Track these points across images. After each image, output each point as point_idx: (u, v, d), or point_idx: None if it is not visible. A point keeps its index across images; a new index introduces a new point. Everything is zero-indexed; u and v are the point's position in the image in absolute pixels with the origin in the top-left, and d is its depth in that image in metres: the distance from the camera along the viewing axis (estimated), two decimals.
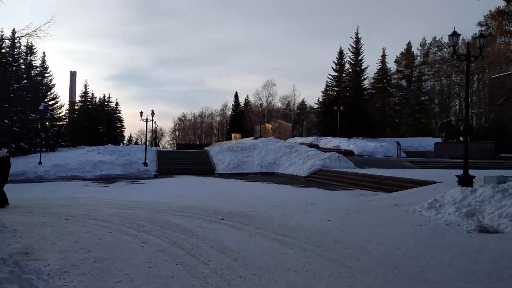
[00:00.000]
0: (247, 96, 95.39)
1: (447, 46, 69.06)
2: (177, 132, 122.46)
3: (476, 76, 55.83)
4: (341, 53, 50.41)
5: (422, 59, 68.34)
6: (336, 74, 50.38)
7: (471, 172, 18.42)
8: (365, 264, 5.11)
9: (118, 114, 58.79)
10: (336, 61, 50.49)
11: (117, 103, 58.76)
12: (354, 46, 48.96)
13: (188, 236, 6.87)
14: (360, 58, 48.82)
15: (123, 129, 64.23)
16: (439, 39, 69.26)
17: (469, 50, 9.62)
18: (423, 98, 56.94)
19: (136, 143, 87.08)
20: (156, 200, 12.41)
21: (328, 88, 51.44)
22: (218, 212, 9.54)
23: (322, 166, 22.74)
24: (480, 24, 57.43)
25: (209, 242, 6.35)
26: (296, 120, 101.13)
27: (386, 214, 9.13)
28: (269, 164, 27.66)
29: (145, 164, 26.57)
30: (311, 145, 35.00)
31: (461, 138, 33.93)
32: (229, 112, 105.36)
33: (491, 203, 7.93)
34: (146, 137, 30.91)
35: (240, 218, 8.66)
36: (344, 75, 50.33)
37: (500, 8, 57.81)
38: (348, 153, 30.53)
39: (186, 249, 5.93)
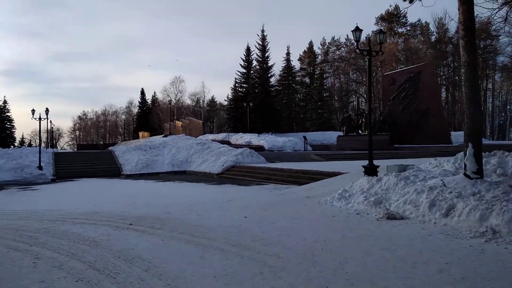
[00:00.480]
0: (155, 93, 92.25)
1: (344, 46, 74.42)
2: (77, 132, 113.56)
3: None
4: (248, 50, 51.16)
5: (322, 58, 72.61)
6: (244, 71, 50.99)
7: (363, 162, 19.84)
8: (287, 262, 4.93)
9: (6, 114, 52.50)
10: (244, 58, 51.12)
11: (5, 102, 52.47)
12: (261, 43, 50.04)
13: (91, 246, 6.07)
14: (266, 55, 50.06)
15: (13, 130, 57.62)
16: (337, 39, 74.26)
17: (370, 46, 10.14)
18: (324, 95, 60.41)
19: (30, 145, 78.96)
20: (53, 208, 11.04)
21: (237, 85, 51.89)
22: (126, 217, 8.74)
23: (235, 162, 22.65)
24: (376, 22, 62.85)
25: (116, 252, 5.67)
26: (207, 117, 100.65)
27: (300, 207, 9.21)
28: (181, 162, 26.85)
29: (40, 167, 23.93)
30: (222, 142, 34.84)
31: (360, 131, 36.66)
32: (135, 110, 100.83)
33: (395, 190, 8.40)
34: (40, 137, 27.76)
35: (151, 221, 8.01)
36: (252, 71, 51.14)
37: (390, 11, 63.97)
38: (259, 148, 30.96)
39: (89, 262, 5.19)
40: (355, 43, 10.09)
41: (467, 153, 7.21)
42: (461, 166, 9.49)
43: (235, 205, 9.93)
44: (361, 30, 10.42)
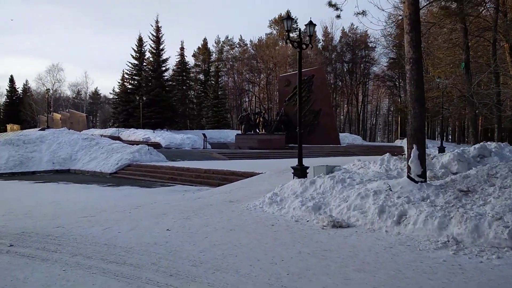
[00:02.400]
0: (27, 81, 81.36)
1: (237, 46, 74.96)
2: None
3: (264, 74, 62.24)
4: (140, 41, 47.74)
5: (217, 56, 72.04)
6: (136, 62, 47.45)
7: (268, 161, 19.48)
8: None
9: None
10: (136, 49, 47.54)
11: None
12: (155, 34, 47.16)
13: None
14: (161, 47, 47.32)
15: None
16: (231, 38, 74.46)
17: (301, 37, 9.46)
18: (220, 92, 59.85)
19: None
20: None
21: (127, 77, 48.03)
22: (2, 232, 6.56)
23: (131, 160, 20.36)
24: (270, 25, 64.31)
25: None
26: (89, 110, 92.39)
27: (228, 213, 8.05)
28: (64, 160, 23.37)
29: None
30: (112, 137, 31.55)
31: (258, 130, 36.80)
32: (2, 100, 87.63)
33: (333, 194, 7.80)
34: None
35: (41, 240, 6.04)
36: (144, 64, 47.87)
37: (281, 15, 66.20)
38: (155, 146, 28.69)
39: None
40: (286, 33, 9.27)
41: (412, 154, 6.88)
42: (389, 168, 9.39)
43: (147, 213, 8.32)
44: (292, 19, 9.65)
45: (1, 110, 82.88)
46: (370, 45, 63.97)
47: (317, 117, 36.72)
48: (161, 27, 47.45)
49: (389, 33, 59.83)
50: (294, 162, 20.56)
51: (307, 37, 10.79)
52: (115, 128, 40.58)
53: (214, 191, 11.67)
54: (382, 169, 9.37)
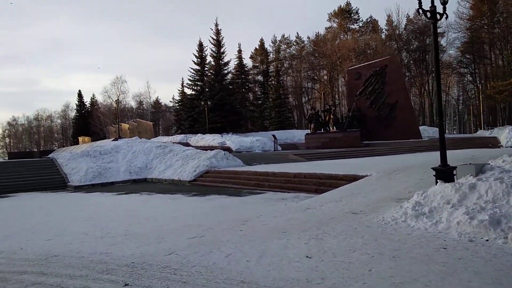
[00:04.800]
0: (93, 95, 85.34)
1: (294, 44, 73.17)
2: (7, 139, 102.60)
3: (326, 70, 59.80)
4: (201, 46, 47.66)
5: (274, 56, 70.76)
6: (198, 67, 47.38)
7: (353, 161, 17.24)
8: None
9: None
10: (197, 54, 47.48)
11: None
12: (215, 38, 46.78)
13: None
14: (222, 50, 46.84)
15: None
16: (287, 37, 72.84)
17: (434, 6, 7.58)
18: (281, 92, 58.44)
19: None
20: None
21: (190, 83, 48.11)
22: (109, 263, 5.48)
23: (208, 166, 19.44)
24: (329, 19, 61.85)
25: None
26: (152, 119, 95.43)
27: (366, 231, 6.43)
28: (140, 169, 23.10)
29: None
30: (181, 144, 31.25)
31: (328, 128, 34.81)
32: (72, 114, 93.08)
33: (511, 203, 5.89)
34: None
35: (158, 275, 4.84)
36: (206, 68, 47.69)
37: (341, 7, 63.44)
38: (225, 150, 27.82)
39: None
40: (418, 3, 7.45)
41: None
42: None
43: (262, 231, 6.94)
44: None
45: (73, 124, 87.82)
46: (439, 31, 59.36)
47: (393, 110, 33.96)
48: (220, 29, 47.10)
49: (462, 14, 55.25)
50: (384, 160, 18.49)
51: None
52: (183, 135, 40.56)
53: (319, 199, 10.08)
54: None
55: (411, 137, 32.80)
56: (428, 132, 39.20)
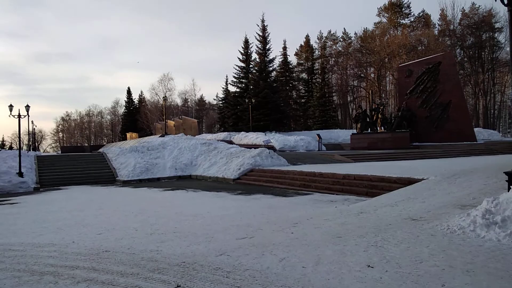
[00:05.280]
0: (141, 92, 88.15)
1: (341, 40, 71.63)
2: (60, 133, 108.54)
3: (375, 67, 57.96)
4: (246, 43, 47.71)
5: (320, 53, 69.60)
6: (243, 65, 47.50)
7: (404, 163, 16.23)
8: None
9: None
10: (243, 51, 47.61)
11: None
12: (261, 34, 46.66)
13: None
14: (267, 47, 46.63)
15: None
16: (334, 33, 71.39)
17: None
18: (326, 90, 57.42)
19: (11, 148, 74.10)
20: (37, 240, 7.51)
21: (235, 80, 48.28)
22: (159, 261, 5.37)
23: (252, 165, 19.28)
24: (379, 13, 59.80)
25: None
26: (196, 116, 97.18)
27: (429, 239, 5.92)
28: (185, 165, 23.38)
29: (20, 174, 20.19)
30: (224, 142, 31.39)
31: (376, 129, 33.65)
32: (121, 110, 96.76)
33: None
34: (19, 138, 23.99)
35: (211, 278, 4.64)
36: (251, 65, 47.69)
37: (392, 1, 61.25)
38: (270, 148, 27.60)
39: None
40: None
41: None
42: None
43: (315, 234, 6.59)
44: None
45: (121, 120, 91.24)
46: (496, 26, 55.87)
47: (446, 111, 32.25)
48: (267, 26, 46.90)
49: None
50: (437, 163, 17.44)
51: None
52: (226, 132, 40.82)
53: (373, 203, 9.56)
54: None
55: (465, 139, 31.04)
56: (483, 134, 37.01)
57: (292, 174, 16.21)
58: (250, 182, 17.30)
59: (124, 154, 24.80)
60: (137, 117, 78.43)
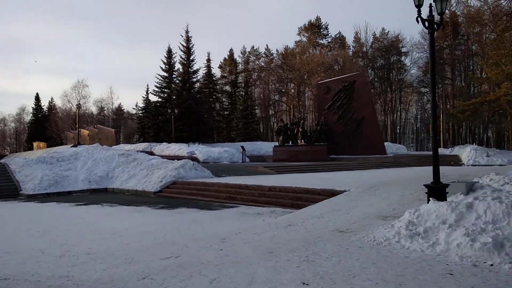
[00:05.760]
0: (52, 99, 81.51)
1: (263, 56, 73.55)
2: None
3: (295, 83, 60.21)
4: (170, 52, 46.59)
5: (243, 66, 70.66)
6: (165, 74, 46.22)
7: (325, 175, 16.99)
8: None
9: None
10: (165, 61, 46.36)
11: None
12: (185, 45, 45.97)
13: None
14: (191, 58, 46.05)
15: None
16: (257, 48, 73.07)
17: (432, 15, 7.25)
18: (249, 103, 58.14)
19: None
20: None
21: (157, 90, 46.73)
22: None
23: (175, 177, 18.53)
24: (299, 33, 62.37)
25: None
26: (113, 126, 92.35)
27: (359, 252, 5.95)
28: (100, 178, 21.76)
29: None
30: (145, 153, 29.99)
31: (297, 142, 34.70)
32: (28, 117, 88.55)
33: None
34: None
35: None
36: (174, 75, 46.61)
37: (311, 22, 64.45)
38: (193, 160, 26.93)
39: None
40: (417, 9, 7.11)
41: None
42: None
43: (245, 250, 6.30)
44: None
45: (28, 128, 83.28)
46: (403, 50, 61.55)
47: (360, 126, 34.39)
48: (191, 37, 46.32)
49: (427, 34, 57.55)
50: (355, 175, 18.32)
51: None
52: (147, 143, 39.11)
53: (299, 215, 9.55)
54: None
55: (377, 153, 33.29)
56: (392, 148, 40.07)
57: (217, 186, 15.83)
58: (173, 195, 16.54)
59: (29, 166, 22.35)
60: (46, 125, 72.19)
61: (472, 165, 29.08)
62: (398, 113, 65.71)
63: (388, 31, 61.93)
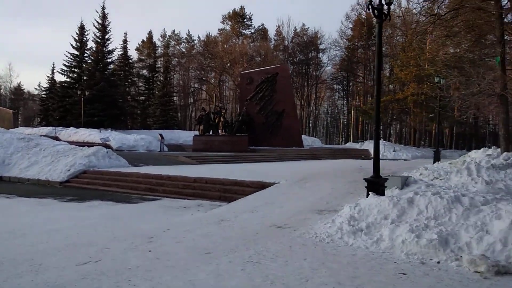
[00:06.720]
0: None
1: (184, 41, 71.25)
2: None
3: (217, 72, 59.21)
4: (82, 29, 42.52)
5: (162, 51, 67.70)
6: (76, 52, 42.10)
7: (249, 166, 16.84)
8: None
9: None
10: (77, 38, 42.21)
11: None
12: (100, 22, 42.29)
13: None
14: (107, 37, 42.56)
15: None
16: (178, 33, 70.52)
17: (382, 4, 7.05)
18: (168, 90, 55.76)
19: None
20: None
21: (66, 69, 42.41)
22: None
23: (86, 166, 16.73)
24: (223, 21, 61.26)
25: None
26: (11, 107, 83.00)
27: (303, 250, 5.58)
28: None
29: None
30: (49, 138, 26.95)
31: (217, 131, 34.04)
32: None
33: (453, 220, 5.64)
34: None
35: None
36: (86, 54, 42.72)
37: (236, 11, 63.79)
38: (106, 147, 24.81)
39: None
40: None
41: None
42: (491, 181, 7.45)
43: (178, 251, 5.57)
44: None
45: None
46: (321, 47, 63.85)
47: (280, 118, 34.78)
48: (107, 14, 42.74)
49: (343, 33, 60.39)
50: (278, 166, 18.33)
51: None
52: (51, 127, 35.29)
53: (231, 209, 8.98)
54: (474, 181, 7.41)
55: (295, 145, 34.02)
56: (308, 141, 41.35)
57: (135, 177, 14.56)
58: (83, 186, 14.84)
59: None
60: None
61: (381, 159, 31.14)
62: (313, 108, 68.41)
63: (308, 27, 63.77)
